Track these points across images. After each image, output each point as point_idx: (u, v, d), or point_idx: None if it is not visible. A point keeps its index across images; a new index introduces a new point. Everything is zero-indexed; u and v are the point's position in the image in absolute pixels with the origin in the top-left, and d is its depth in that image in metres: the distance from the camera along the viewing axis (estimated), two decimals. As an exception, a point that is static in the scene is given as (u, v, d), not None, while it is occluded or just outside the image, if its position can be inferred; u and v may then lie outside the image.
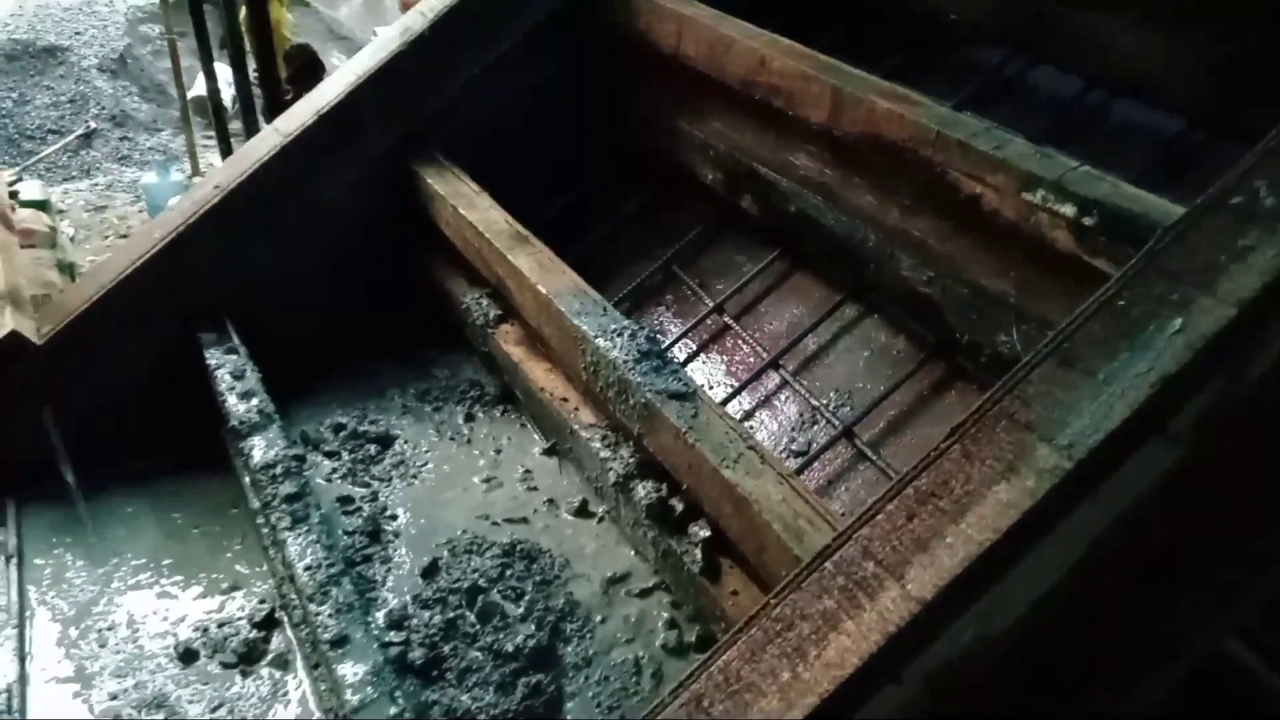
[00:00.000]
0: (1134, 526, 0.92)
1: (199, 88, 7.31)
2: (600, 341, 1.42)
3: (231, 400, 1.65)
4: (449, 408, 1.86)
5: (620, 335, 1.42)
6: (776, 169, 1.74)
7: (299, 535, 1.38)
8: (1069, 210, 1.22)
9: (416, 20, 1.91)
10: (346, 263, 1.97)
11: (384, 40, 1.93)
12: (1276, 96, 1.39)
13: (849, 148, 1.56)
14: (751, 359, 1.76)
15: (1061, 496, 0.85)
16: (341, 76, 1.90)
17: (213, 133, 6.86)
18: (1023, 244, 1.32)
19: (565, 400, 1.62)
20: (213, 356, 1.75)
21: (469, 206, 1.77)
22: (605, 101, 2.09)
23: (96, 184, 6.92)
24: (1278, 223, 0.89)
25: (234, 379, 1.70)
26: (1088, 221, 1.20)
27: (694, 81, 1.83)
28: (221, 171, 1.88)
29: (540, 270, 1.59)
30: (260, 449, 1.54)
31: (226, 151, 6.62)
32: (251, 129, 6.14)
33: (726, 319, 1.83)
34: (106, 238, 6.35)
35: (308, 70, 6.26)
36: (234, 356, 1.75)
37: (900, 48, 1.90)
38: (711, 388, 1.74)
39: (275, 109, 5.80)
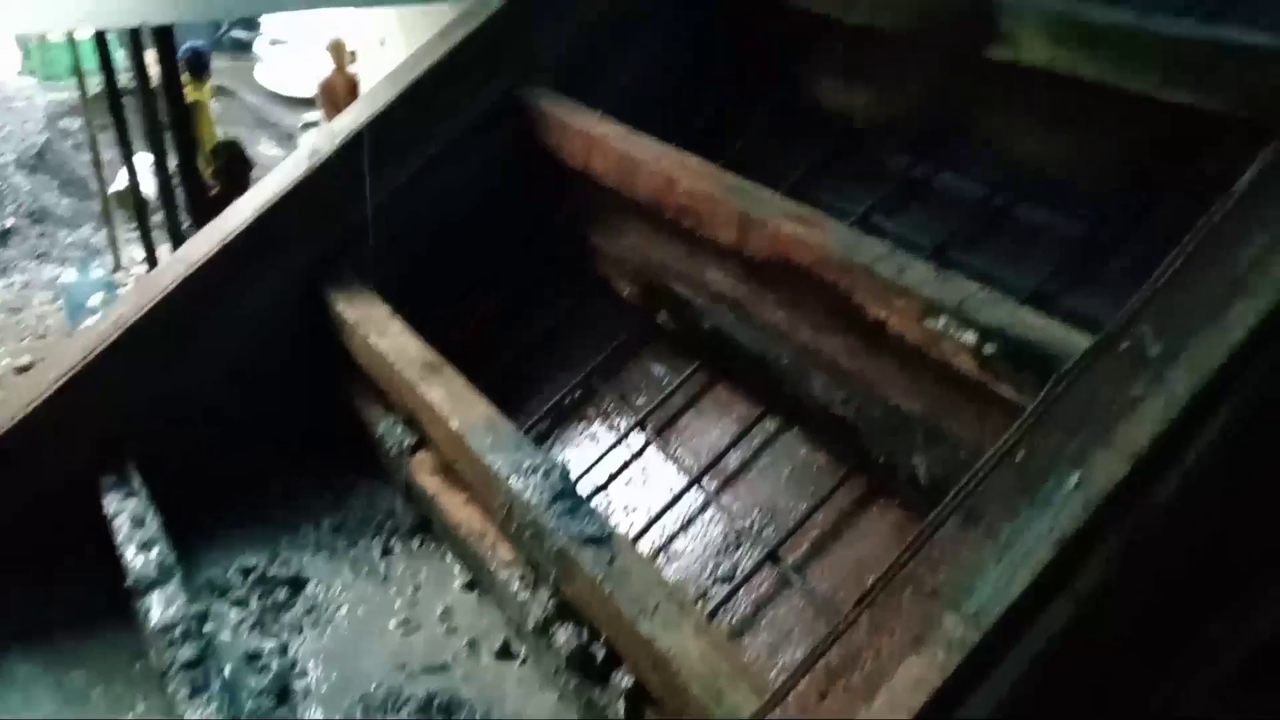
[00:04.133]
0: (1048, 671, 0.90)
1: (122, 181, 7.20)
2: (513, 482, 1.38)
3: (129, 552, 1.56)
4: (365, 541, 1.79)
5: (534, 474, 1.38)
6: (690, 285, 1.73)
7: (198, 707, 1.29)
8: (970, 338, 1.23)
9: (325, 142, 1.89)
10: (259, 388, 1.91)
11: (291, 163, 1.90)
12: (1182, 192, 1.43)
13: (759, 267, 1.56)
14: (674, 477, 1.73)
15: (972, 667, 0.83)
16: (248, 201, 1.87)
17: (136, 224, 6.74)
18: (932, 367, 1.32)
19: (483, 536, 1.57)
20: (111, 502, 1.67)
21: (380, 334, 1.73)
22: (524, 213, 2.08)
23: (13, 284, 6.73)
24: (1165, 370, 0.90)
25: (133, 527, 1.61)
26: (989, 350, 1.21)
27: (607, 196, 1.84)
28: (123, 305, 1.82)
29: (452, 402, 1.55)
30: (158, 608, 1.45)
31: (149, 247, 6.50)
32: (174, 225, 6.06)
33: (648, 435, 1.80)
34: (23, 340, 6.15)
35: (234, 165, 6.22)
36: (134, 501, 1.67)
37: (814, 151, 1.94)
38: (633, 511, 1.71)
39: (197, 205, 5.74)
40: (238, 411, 1.89)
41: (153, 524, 1.62)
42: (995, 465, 0.91)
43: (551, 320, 2.05)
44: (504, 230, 2.06)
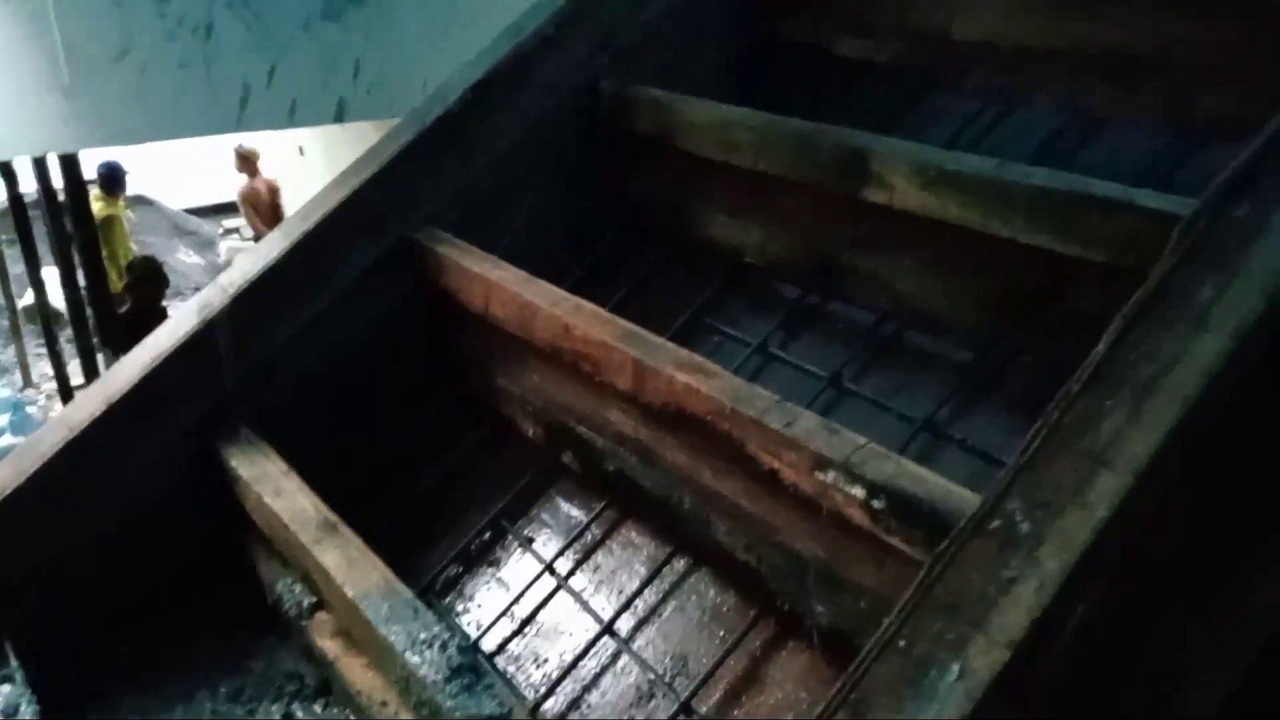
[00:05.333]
0: None
1: (30, 296, 7.01)
2: (409, 656, 1.33)
3: (1, 748, 1.46)
4: (265, 707, 1.70)
5: (430, 647, 1.33)
6: (592, 427, 1.73)
7: None
8: (858, 492, 1.24)
9: (216, 296, 1.85)
10: (151, 549, 1.83)
11: (182, 317, 1.86)
12: (1057, 329, 1.48)
13: (658, 412, 1.57)
14: (585, 624, 1.69)
15: None
16: (136, 358, 1.81)
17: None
18: (828, 516, 1.33)
19: (385, 704, 1.50)
20: (-17, 690, 1.56)
21: (275, 493, 1.68)
22: (426, 354, 2.07)
23: (-90, 409, 6.42)
24: (1036, 550, 0.91)
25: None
26: (877, 505, 1.22)
27: (508, 338, 1.83)
28: (-1, 474, 1.74)
29: (348, 568, 1.50)
30: (28, 816, 1.35)
31: (58, 365, 6.30)
32: (84, 342, 5.90)
33: (558, 579, 1.77)
34: (-81, 469, 5.86)
35: (148, 280, 6.13)
36: (8, 687, 1.56)
37: (708, 285, 1.97)
38: (544, 663, 1.66)
39: (106, 322, 5.60)
40: (129, 575, 1.81)
41: (27, 710, 1.52)
42: (879, 653, 0.91)
43: (457, 460, 2.02)
44: (406, 372, 2.04)
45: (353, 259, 1.93)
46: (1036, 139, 1.79)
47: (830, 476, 1.27)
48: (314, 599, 1.70)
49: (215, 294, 1.86)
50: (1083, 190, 1.36)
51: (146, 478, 1.80)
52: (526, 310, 1.73)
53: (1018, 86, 1.81)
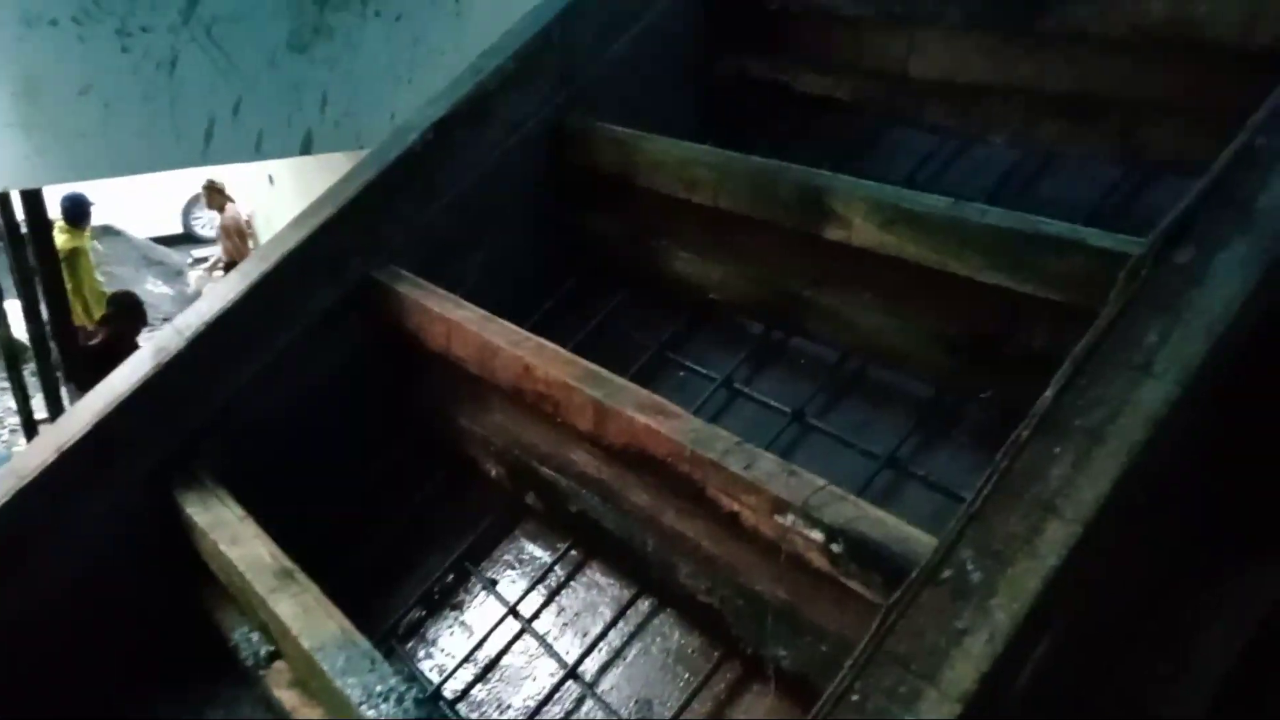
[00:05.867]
0: None
1: (-7, 330, 6.88)
2: (365, 710, 1.30)
3: (-55, 811, 1.41)
4: (223, 761, 1.67)
5: (386, 700, 1.31)
6: (555, 467, 1.71)
7: None
8: (817, 536, 1.23)
9: (172, 339, 1.83)
10: (106, 598, 1.79)
11: (137, 362, 1.83)
12: (1016, 365, 1.49)
13: (620, 452, 1.56)
14: (550, 667, 1.67)
15: None
16: (88, 405, 1.78)
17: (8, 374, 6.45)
18: (788, 559, 1.32)
19: (343, 758, 1.47)
20: (-72, 750, 1.52)
21: (231, 541, 1.65)
22: (389, 394, 2.04)
23: None
24: (987, 600, 0.90)
25: (-49, 780, 1.47)
26: (835, 548, 1.21)
27: (470, 378, 1.82)
28: (-58, 528, 1.69)
29: (304, 617, 1.48)
30: None
31: (22, 400, 6.21)
32: (47, 375, 5.82)
33: (521, 622, 1.74)
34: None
35: (128, 315, 6.09)
36: (-45, 747, 1.52)
37: (673, 322, 1.97)
38: (507, 709, 1.63)
39: (70, 356, 5.53)
40: (86, 624, 1.76)
41: (-24, 773, 1.48)
42: (833, 708, 0.90)
43: (420, 501, 2.00)
44: (369, 412, 2.02)
45: (313, 300, 1.91)
46: (995, 173, 1.81)
47: (789, 519, 1.26)
48: (271, 648, 1.66)
49: (171, 337, 1.84)
50: (1034, 230, 1.37)
51: (102, 525, 1.76)
52: (487, 350, 1.72)
53: (975, 122, 1.83)
